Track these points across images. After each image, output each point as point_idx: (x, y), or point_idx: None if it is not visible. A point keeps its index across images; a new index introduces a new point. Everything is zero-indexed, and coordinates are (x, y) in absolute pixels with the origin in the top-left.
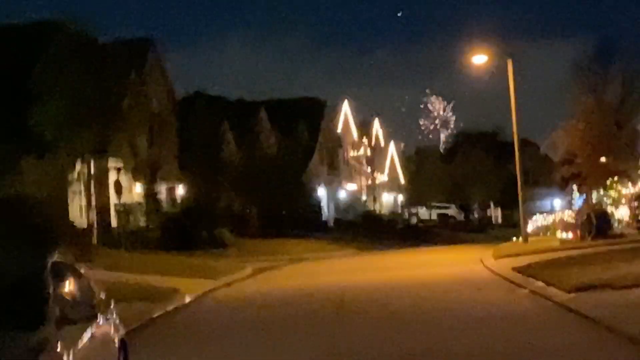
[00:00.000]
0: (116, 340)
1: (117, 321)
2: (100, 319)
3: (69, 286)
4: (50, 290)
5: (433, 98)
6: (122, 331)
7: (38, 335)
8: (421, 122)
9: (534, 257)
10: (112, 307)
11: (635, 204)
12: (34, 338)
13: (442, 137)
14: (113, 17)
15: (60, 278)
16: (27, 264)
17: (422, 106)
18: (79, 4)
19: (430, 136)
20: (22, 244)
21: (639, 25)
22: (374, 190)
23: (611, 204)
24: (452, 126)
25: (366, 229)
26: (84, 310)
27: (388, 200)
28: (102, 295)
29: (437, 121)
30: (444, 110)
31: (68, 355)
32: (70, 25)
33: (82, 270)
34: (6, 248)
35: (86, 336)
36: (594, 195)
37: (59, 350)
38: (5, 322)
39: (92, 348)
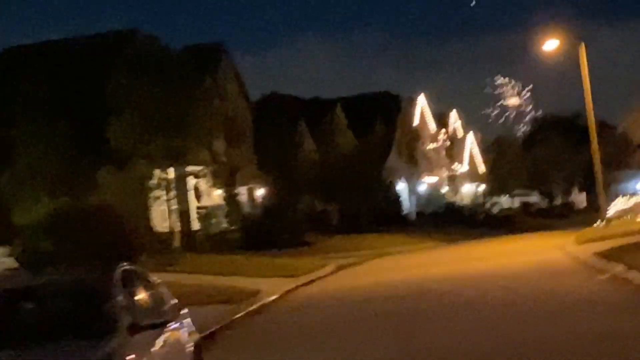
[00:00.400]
0: (190, 346)
1: (191, 326)
2: (173, 325)
3: (139, 294)
4: (120, 298)
5: (507, 85)
6: (196, 336)
7: (109, 344)
8: (495, 111)
9: (615, 241)
10: (185, 312)
11: None
12: (105, 347)
13: (521, 124)
14: (186, 23)
15: (130, 286)
16: (99, 273)
17: (496, 92)
18: (150, 13)
19: (507, 123)
20: (101, 253)
21: None
22: (454, 181)
23: None
24: (529, 112)
25: (447, 221)
26: (156, 317)
27: (469, 190)
28: (174, 301)
29: (513, 108)
30: (519, 96)
31: None
32: (141, 35)
33: (155, 278)
34: (86, 259)
35: (159, 343)
36: None
37: (130, 358)
38: (77, 331)
39: (165, 354)
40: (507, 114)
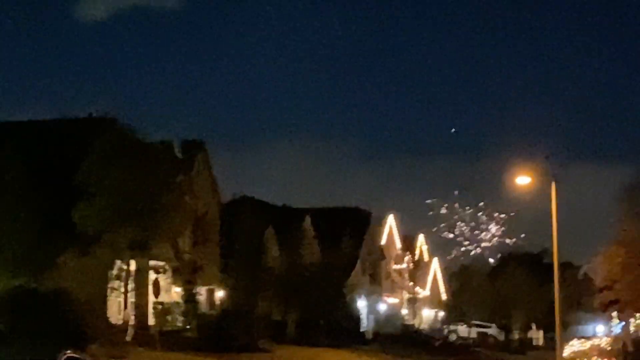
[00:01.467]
0: None
1: None
2: None
3: None
4: None
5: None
6: None
7: None
8: (464, 240)
9: None
10: None
11: None
12: None
13: (487, 255)
14: (163, 118)
15: None
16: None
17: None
18: (129, 103)
19: (473, 253)
20: (54, 337)
21: None
22: (414, 304)
23: None
24: (494, 244)
25: (404, 343)
26: None
27: (428, 315)
28: None
29: (481, 239)
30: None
31: None
32: (120, 123)
33: None
34: (39, 341)
35: None
36: (634, 323)
37: None
38: None
39: None
40: (474, 243)
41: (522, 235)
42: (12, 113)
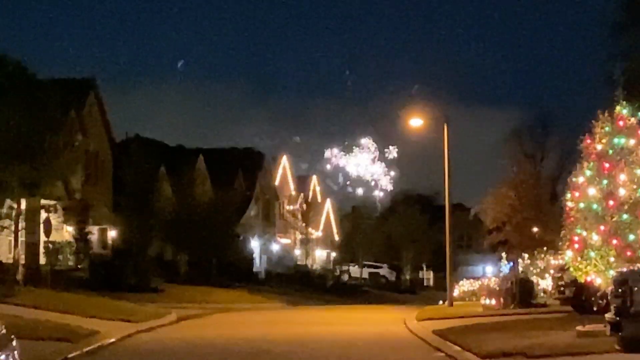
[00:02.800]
0: None
1: (17, 359)
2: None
3: None
4: None
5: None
6: None
7: None
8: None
9: (455, 321)
10: (13, 343)
11: (559, 275)
12: None
13: (377, 195)
14: (55, 57)
15: None
16: None
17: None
18: (19, 39)
19: (367, 193)
20: None
21: (576, 103)
22: (307, 245)
23: (537, 274)
24: (386, 185)
25: (296, 283)
26: None
27: (321, 256)
28: (2, 331)
29: (371, 177)
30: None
31: None
32: (9, 59)
33: None
34: None
35: None
36: (522, 264)
37: None
38: None
39: None
40: (368, 179)
41: (413, 179)
42: None
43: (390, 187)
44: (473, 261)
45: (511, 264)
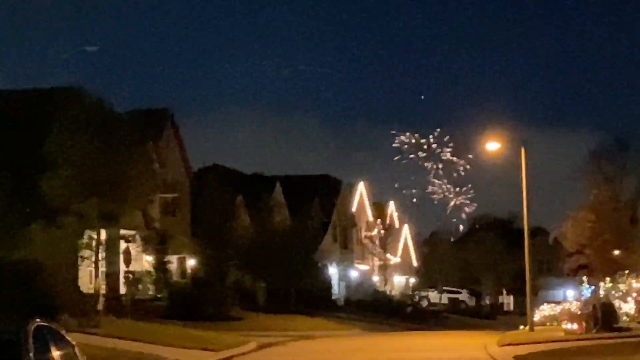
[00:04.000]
0: None
1: None
2: None
3: (51, 351)
4: (31, 355)
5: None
6: None
7: None
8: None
9: (537, 346)
10: None
11: None
12: None
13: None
14: (135, 87)
15: (42, 342)
16: (13, 327)
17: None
18: (97, 73)
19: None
20: (24, 308)
21: None
22: (385, 271)
23: (619, 297)
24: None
25: (375, 310)
26: None
27: (399, 282)
28: None
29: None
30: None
31: None
32: (87, 93)
33: (69, 338)
34: (8, 313)
35: None
36: (603, 288)
37: None
38: None
39: None
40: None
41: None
42: None
43: (469, 209)
44: (553, 285)
45: (592, 287)
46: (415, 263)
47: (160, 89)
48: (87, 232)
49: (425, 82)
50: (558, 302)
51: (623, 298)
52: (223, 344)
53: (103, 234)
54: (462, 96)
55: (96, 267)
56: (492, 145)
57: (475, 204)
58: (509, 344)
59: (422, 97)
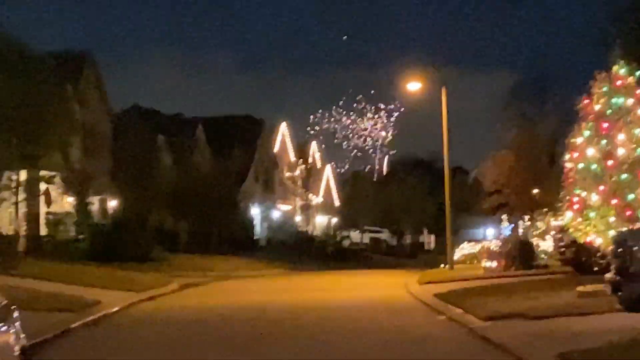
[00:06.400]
0: (16, 349)
1: (20, 330)
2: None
3: None
4: None
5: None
6: (23, 340)
7: None
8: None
9: (457, 284)
10: (15, 315)
11: (559, 236)
12: None
13: (377, 160)
14: (50, 30)
15: None
16: None
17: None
18: (14, 13)
19: (365, 156)
20: None
21: (574, 64)
22: (307, 211)
23: (537, 235)
24: (385, 149)
25: (297, 250)
26: None
27: (322, 222)
28: (4, 302)
29: (371, 142)
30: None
31: None
32: (2, 33)
33: None
34: None
35: None
36: (522, 226)
37: None
38: None
39: None
40: (364, 147)
41: (412, 143)
42: None
43: (390, 149)
44: (473, 224)
45: (511, 226)
46: (337, 203)
47: (80, 31)
48: (6, 173)
49: (346, 23)
50: (478, 241)
51: (541, 236)
52: (145, 285)
53: (23, 175)
54: (383, 38)
55: (16, 209)
56: (414, 85)
57: (396, 145)
58: (429, 282)
59: (345, 37)
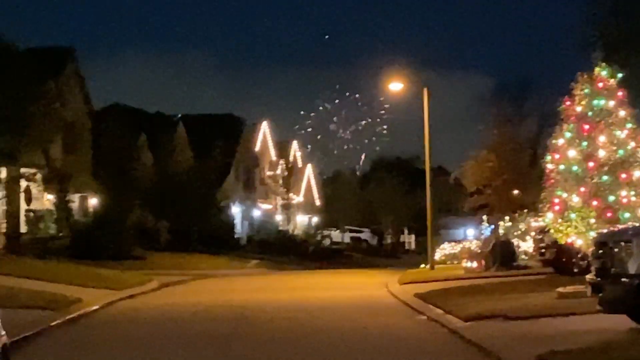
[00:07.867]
0: None
1: (0, 328)
2: None
3: None
4: None
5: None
6: (4, 338)
7: None
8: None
9: (437, 284)
10: None
11: (540, 237)
12: None
13: (360, 161)
14: (32, 26)
15: None
16: None
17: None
18: None
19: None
20: None
21: (555, 66)
22: (288, 210)
23: (518, 236)
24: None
25: (278, 249)
26: None
27: (302, 221)
28: None
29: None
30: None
31: None
32: None
33: None
34: None
35: None
36: (503, 227)
37: None
38: None
39: None
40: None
41: (393, 144)
42: None
43: (371, 149)
44: (454, 225)
45: (492, 226)
46: (318, 202)
47: (62, 28)
48: None
49: (330, 23)
50: (459, 241)
51: (522, 237)
52: (125, 283)
53: (3, 173)
54: (365, 38)
55: None
56: (395, 86)
57: (377, 144)
58: (409, 282)
59: (327, 36)
